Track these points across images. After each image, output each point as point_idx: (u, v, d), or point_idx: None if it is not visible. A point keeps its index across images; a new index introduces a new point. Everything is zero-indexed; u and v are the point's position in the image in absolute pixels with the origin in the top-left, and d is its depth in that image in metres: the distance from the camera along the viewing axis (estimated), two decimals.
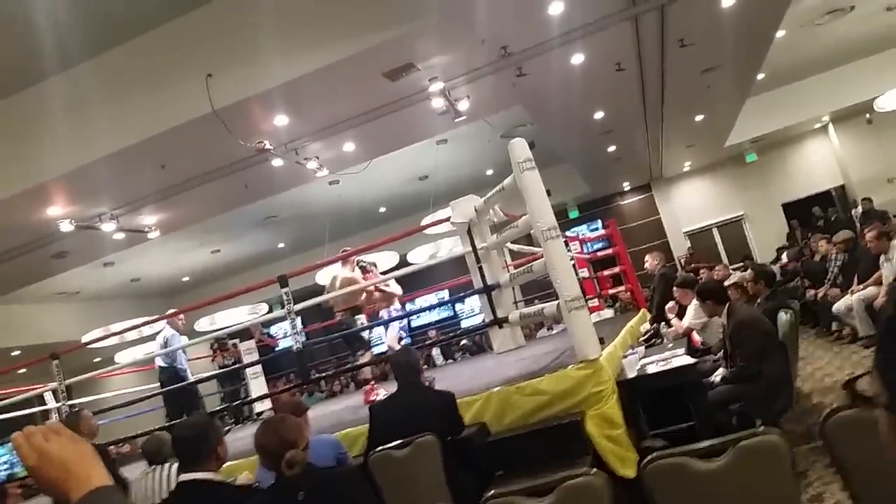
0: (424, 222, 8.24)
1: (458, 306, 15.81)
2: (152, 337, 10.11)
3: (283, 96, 6.92)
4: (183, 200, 9.21)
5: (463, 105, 8.08)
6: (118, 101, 7.01)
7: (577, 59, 7.91)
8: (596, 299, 9.56)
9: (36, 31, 6.25)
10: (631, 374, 4.68)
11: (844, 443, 2.13)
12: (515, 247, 7.52)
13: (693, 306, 6.16)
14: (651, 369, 4.79)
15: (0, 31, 6.25)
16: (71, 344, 8.88)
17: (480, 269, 5.62)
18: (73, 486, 1.00)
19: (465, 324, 15.34)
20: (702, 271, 9.53)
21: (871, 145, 15.14)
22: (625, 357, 5.06)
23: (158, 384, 7.96)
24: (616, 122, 10.96)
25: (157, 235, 10.18)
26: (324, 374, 9.14)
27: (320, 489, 2.55)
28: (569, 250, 8.50)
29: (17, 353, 13.10)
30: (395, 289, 7.30)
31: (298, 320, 5.94)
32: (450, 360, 12.23)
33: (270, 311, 12.55)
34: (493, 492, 2.45)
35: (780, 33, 9.57)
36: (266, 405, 8.24)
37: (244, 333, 9.83)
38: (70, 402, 7.24)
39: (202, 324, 12.34)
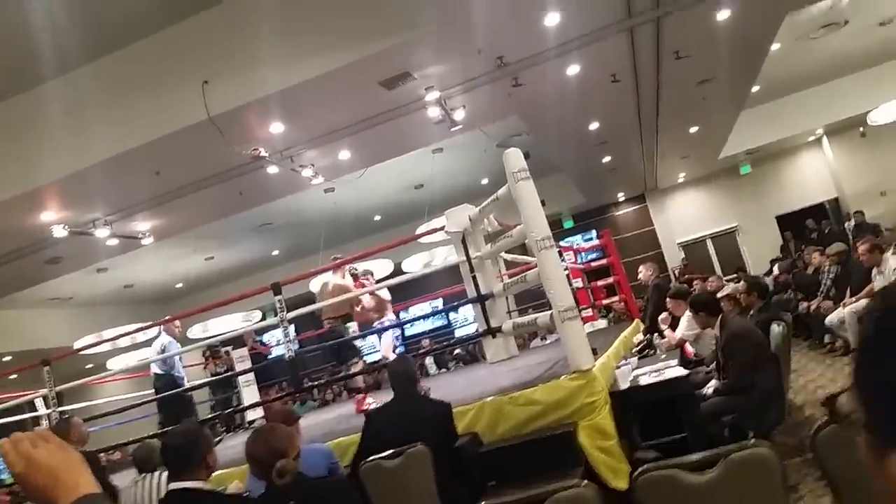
0: (419, 231, 8.25)
1: (452, 315, 15.79)
2: (147, 343, 10.09)
3: (279, 104, 6.92)
4: (177, 207, 9.19)
5: (459, 114, 8.10)
6: (113, 107, 7.01)
7: (573, 69, 7.95)
8: (590, 309, 9.56)
9: (32, 35, 6.25)
10: (624, 385, 4.68)
11: (835, 457, 2.14)
12: (509, 256, 7.52)
13: (686, 317, 6.18)
14: (644, 380, 4.79)
15: None
16: (63, 350, 8.84)
17: (474, 278, 5.62)
18: (61, 494, 0.99)
19: (458, 333, 15.32)
20: (695, 282, 9.55)
21: (865, 158, 15.22)
22: (618, 368, 5.06)
23: (151, 391, 7.92)
24: (611, 132, 11.00)
25: (150, 242, 10.15)
26: (316, 383, 9.09)
27: (311, 499, 2.54)
28: (563, 260, 8.51)
29: (8, 358, 13.04)
30: (384, 294, 7.29)
31: (291, 328, 5.93)
32: (443, 370, 12.21)
33: (264, 318, 12.54)
34: (484, 503, 2.44)
35: (774, 46, 9.64)
36: (258, 413, 8.20)
37: (237, 341, 9.80)
38: (60, 409, 7.20)
39: (195, 331, 12.30)
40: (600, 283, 10.22)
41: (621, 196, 17.11)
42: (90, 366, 14.57)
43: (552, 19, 6.74)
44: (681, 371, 4.89)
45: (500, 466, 3.81)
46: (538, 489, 2.39)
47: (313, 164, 8.74)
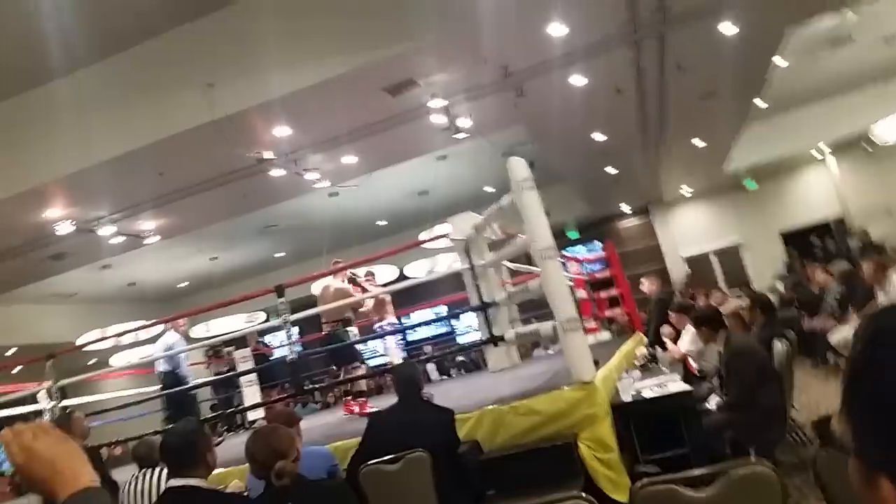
0: (422, 237, 8.27)
1: (455, 322, 15.78)
2: (149, 341, 10.11)
3: (285, 108, 6.96)
4: (182, 207, 9.22)
5: (463, 122, 8.13)
6: (120, 107, 7.05)
7: (578, 80, 7.96)
8: (593, 321, 9.56)
9: (40, 33, 6.29)
10: (626, 398, 4.68)
11: (835, 477, 2.13)
12: (513, 265, 7.53)
13: (689, 332, 6.17)
14: (646, 394, 4.78)
15: (3, 33, 6.29)
16: (66, 345, 8.86)
17: (477, 286, 5.63)
18: (60, 485, 1.01)
19: (461, 340, 15.31)
20: (698, 297, 9.53)
21: (871, 176, 15.19)
22: (620, 380, 5.06)
23: (152, 388, 7.93)
24: (616, 144, 11.00)
25: (155, 241, 10.19)
26: (318, 386, 9.09)
27: (309, 500, 2.54)
28: (566, 271, 8.51)
29: (12, 351, 13.06)
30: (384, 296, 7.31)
31: (294, 330, 5.94)
32: (445, 376, 12.19)
33: (268, 319, 12.54)
34: None
35: (780, 62, 9.64)
36: (259, 414, 8.21)
37: (240, 341, 9.81)
38: (63, 403, 7.22)
39: (197, 330, 12.32)
40: (604, 294, 10.21)
41: (625, 208, 17.09)
42: (93, 362, 14.61)
43: (558, 30, 6.76)
44: (683, 385, 4.88)
45: (499, 475, 3.81)
46: (537, 499, 2.39)
47: (318, 168, 8.78)
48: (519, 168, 4.23)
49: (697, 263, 16.88)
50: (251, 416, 8.47)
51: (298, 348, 6.18)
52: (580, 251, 15.42)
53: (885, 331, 0.66)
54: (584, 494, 2.38)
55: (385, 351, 7.61)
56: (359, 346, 7.06)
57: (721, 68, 8.49)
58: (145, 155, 7.20)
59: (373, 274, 7.63)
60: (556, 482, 3.35)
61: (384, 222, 14.86)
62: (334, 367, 6.77)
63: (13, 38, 6.40)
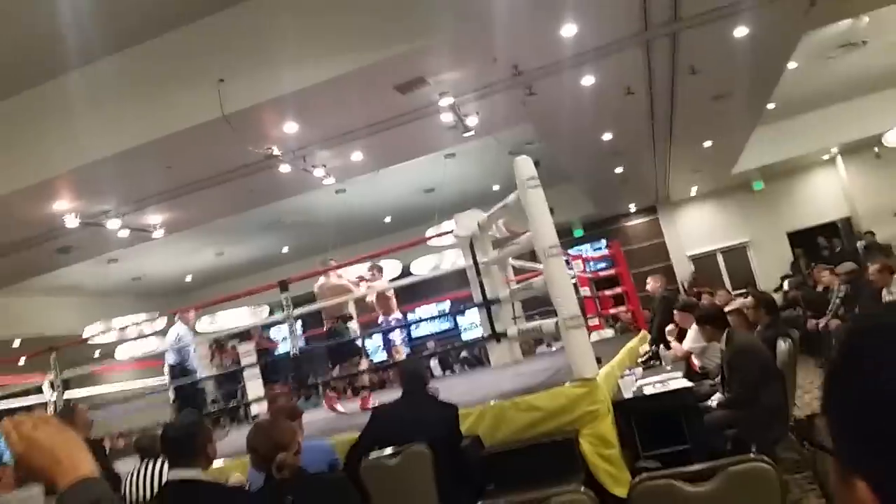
0: (428, 234, 8.27)
1: (459, 319, 15.80)
2: (156, 333, 10.14)
3: (294, 104, 6.97)
4: (189, 202, 9.26)
5: (472, 121, 8.13)
6: (130, 100, 7.07)
7: (588, 80, 7.95)
8: (597, 319, 9.55)
9: (52, 27, 6.31)
10: (627, 395, 4.68)
11: None
12: (518, 263, 7.54)
13: (693, 330, 6.16)
14: (648, 391, 4.79)
15: (16, 27, 6.32)
16: (72, 338, 8.91)
17: (481, 282, 5.64)
18: (60, 475, 1.02)
19: (465, 336, 15.32)
20: (703, 296, 9.51)
21: (879, 179, 15.13)
22: (622, 377, 5.06)
23: (156, 381, 7.97)
24: (624, 144, 10.99)
25: (161, 235, 10.23)
26: (320, 380, 9.13)
27: (309, 494, 2.56)
28: (571, 269, 8.51)
29: (17, 343, 13.14)
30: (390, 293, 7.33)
31: (298, 325, 5.97)
32: (448, 372, 12.22)
33: (272, 314, 12.57)
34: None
35: (792, 65, 9.62)
36: (262, 407, 8.24)
37: (244, 335, 9.85)
38: (66, 395, 7.27)
39: (202, 323, 12.36)
40: (608, 292, 10.21)
41: (632, 207, 17.07)
42: (97, 354, 14.67)
43: (569, 30, 6.75)
44: (685, 382, 4.88)
45: (500, 470, 3.82)
46: (536, 493, 2.40)
47: (325, 165, 8.79)
48: (525, 166, 4.23)
49: (703, 263, 16.86)
50: (254, 409, 8.51)
51: (302, 343, 6.20)
52: (585, 249, 15.40)
53: (864, 333, 0.66)
54: (583, 489, 2.40)
55: (390, 346, 7.61)
56: (357, 342, 7.08)
57: (734, 71, 8.47)
58: (154, 149, 7.22)
59: (380, 268, 7.61)
60: (556, 477, 3.36)
61: (390, 219, 14.87)
62: (329, 365, 6.77)
63: (24, 32, 6.43)
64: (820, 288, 9.76)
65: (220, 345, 9.79)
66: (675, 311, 6.89)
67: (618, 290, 10.04)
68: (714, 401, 4.95)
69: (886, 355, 0.62)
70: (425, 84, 7.17)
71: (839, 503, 0.66)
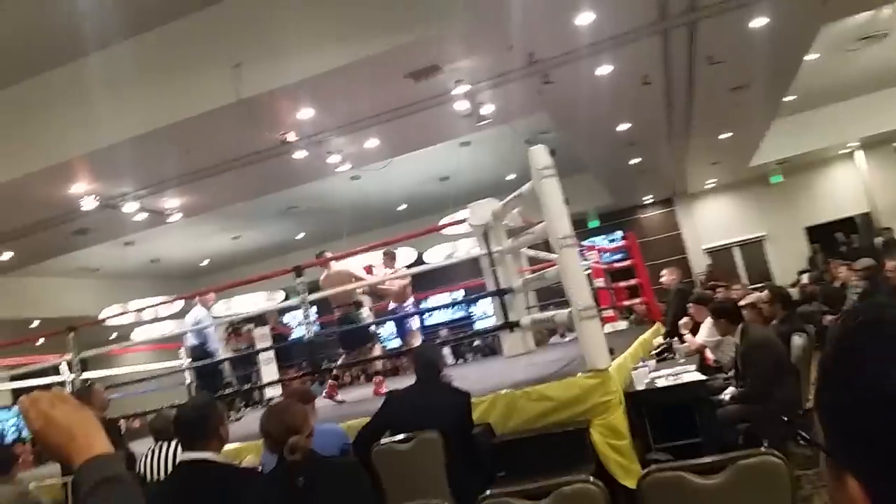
0: (443, 222, 8.28)
1: (472, 307, 15.83)
2: (171, 317, 10.25)
3: (309, 90, 6.99)
4: (206, 186, 9.31)
5: (487, 109, 8.11)
6: (147, 84, 7.11)
7: (605, 69, 7.90)
8: (611, 310, 9.52)
9: (69, 10, 6.35)
10: (640, 387, 4.68)
11: None
12: (532, 252, 7.53)
13: (707, 324, 6.14)
14: (660, 383, 4.79)
15: (33, 10, 6.36)
16: (89, 319, 9.01)
17: (494, 272, 5.64)
18: (76, 452, 1.03)
19: (478, 325, 15.35)
20: (719, 290, 9.46)
21: None
22: (635, 369, 5.06)
23: (174, 362, 8.06)
24: (641, 134, 10.92)
25: (178, 218, 10.30)
26: (333, 365, 9.19)
27: (320, 477, 2.58)
28: (585, 260, 8.49)
29: (35, 324, 13.31)
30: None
31: (312, 310, 6.00)
32: (460, 360, 12.26)
33: (287, 299, 12.65)
34: (488, 492, 2.47)
35: (812, 57, 9.49)
36: (276, 391, 8.32)
37: (259, 319, 9.93)
38: (84, 376, 7.36)
39: (218, 307, 12.47)
40: (623, 284, 10.17)
41: (649, 199, 16.98)
42: (114, 336, 14.86)
43: (586, 18, 6.70)
44: (698, 376, 4.87)
45: (511, 458, 3.84)
46: (547, 482, 2.41)
47: (341, 151, 8.82)
48: (540, 156, 4.22)
49: (719, 256, 16.75)
50: (269, 392, 8.59)
51: (316, 328, 6.24)
52: (600, 240, 15.34)
53: (856, 330, 0.65)
54: (592, 479, 2.40)
55: (405, 333, 7.64)
56: (375, 329, 7.11)
57: (752, 62, 8.38)
58: (171, 133, 7.27)
59: (393, 255, 7.59)
60: (567, 466, 3.36)
61: (405, 207, 14.88)
62: (340, 350, 6.80)
63: (42, 16, 6.48)
64: (837, 284, 9.67)
65: (235, 329, 9.86)
66: (689, 305, 6.86)
67: (632, 281, 9.99)
68: (727, 395, 4.94)
69: (878, 352, 0.62)
70: (440, 72, 7.15)
71: (833, 500, 0.66)
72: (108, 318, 9.38)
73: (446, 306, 15.22)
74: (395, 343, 10.10)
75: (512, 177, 12.79)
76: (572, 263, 4.14)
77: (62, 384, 7.84)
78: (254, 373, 9.30)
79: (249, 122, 7.22)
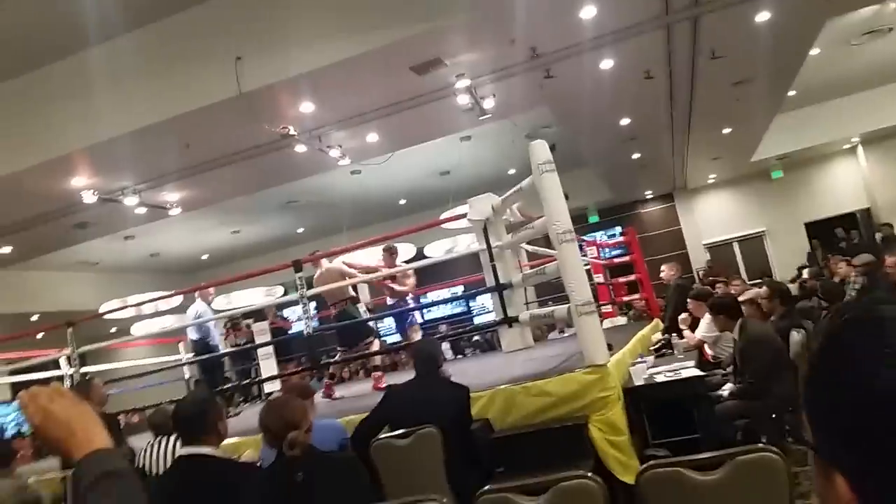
0: (443, 217, 8.27)
1: (472, 302, 15.84)
2: (170, 312, 10.24)
3: (310, 84, 6.97)
4: (206, 180, 9.30)
5: (488, 103, 8.09)
6: (148, 77, 7.10)
7: (607, 64, 7.88)
8: (610, 306, 9.53)
9: (68, 4, 6.35)
10: (638, 382, 4.69)
11: None
12: (531, 248, 7.52)
13: (706, 319, 6.14)
14: (659, 379, 4.79)
15: (33, 2, 6.34)
16: (88, 313, 9.02)
17: (494, 267, 5.64)
18: (75, 446, 1.04)
19: (477, 320, 15.36)
20: (717, 285, 9.46)
21: None
22: (633, 365, 5.06)
23: (173, 357, 8.07)
24: (642, 129, 10.90)
25: (178, 212, 10.29)
26: (333, 360, 9.20)
27: (319, 471, 2.59)
28: (584, 255, 8.49)
29: (35, 317, 13.32)
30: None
31: (311, 305, 5.99)
32: (459, 356, 12.26)
33: (286, 294, 12.66)
34: (487, 487, 2.47)
35: (814, 51, 9.47)
36: (275, 386, 8.33)
37: (258, 314, 9.94)
38: (83, 370, 7.37)
39: (218, 302, 12.47)
40: (622, 279, 10.18)
41: (649, 194, 16.96)
42: (114, 330, 14.86)
43: (588, 12, 6.68)
44: (696, 372, 4.88)
45: (510, 454, 3.85)
46: (545, 477, 2.41)
47: (341, 145, 8.79)
48: (540, 150, 4.22)
49: (719, 251, 16.76)
50: (268, 387, 8.60)
51: (315, 323, 6.24)
52: (600, 236, 15.34)
53: (843, 327, 0.65)
54: (590, 474, 2.40)
55: (406, 327, 7.64)
56: (373, 323, 7.11)
57: (755, 56, 8.36)
58: (171, 127, 7.25)
59: (395, 250, 7.56)
60: (565, 462, 3.37)
61: (405, 201, 14.88)
62: (338, 347, 6.80)
63: (44, 8, 6.46)
64: (836, 280, 9.67)
65: (234, 324, 9.87)
66: (688, 300, 6.87)
67: (632, 277, 10.00)
68: (726, 391, 4.95)
69: (866, 350, 0.61)
70: (442, 65, 7.13)
71: (821, 498, 0.65)
72: (108, 312, 9.36)
73: (445, 301, 15.22)
74: (395, 338, 10.10)
75: (512, 171, 12.78)
76: (572, 259, 4.14)
77: (61, 379, 7.85)
78: (253, 368, 9.31)
79: (250, 116, 7.20)
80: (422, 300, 10.49)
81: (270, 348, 8.74)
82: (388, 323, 9.76)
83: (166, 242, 13.91)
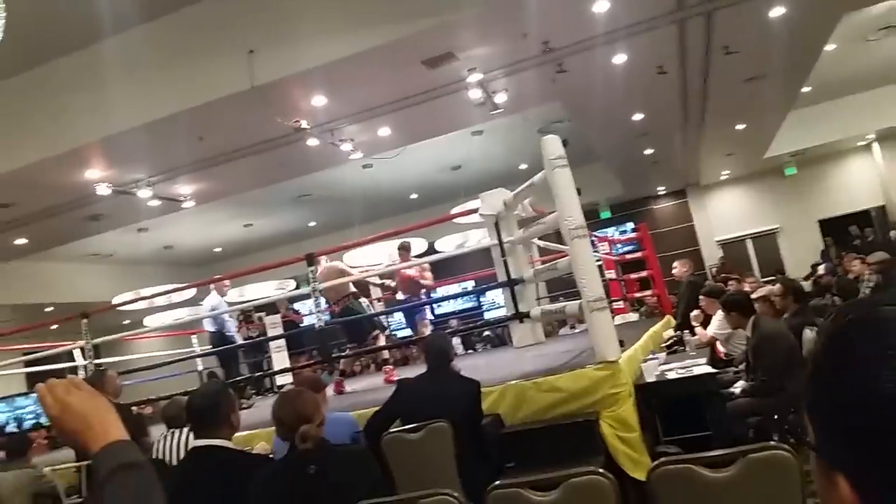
0: (454, 212, 8.27)
1: (482, 298, 15.83)
2: (183, 304, 10.30)
3: (323, 77, 6.98)
4: (219, 173, 9.34)
5: (500, 98, 8.07)
6: (162, 70, 7.13)
7: (619, 58, 7.84)
8: (621, 302, 9.50)
9: None
10: (650, 379, 4.67)
11: None
12: (542, 243, 7.51)
13: (718, 316, 6.12)
14: (670, 376, 4.78)
15: None
16: (102, 304, 9.09)
17: (505, 262, 5.63)
18: (92, 439, 1.05)
19: (487, 315, 15.36)
20: (730, 282, 9.41)
21: None
22: (645, 361, 5.05)
23: (187, 349, 8.13)
24: (655, 124, 10.85)
25: (191, 205, 10.34)
26: (344, 354, 9.24)
27: (331, 465, 2.60)
28: (596, 251, 8.46)
29: (50, 309, 13.43)
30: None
31: (322, 299, 6.01)
32: (470, 351, 12.26)
33: (298, 287, 12.72)
34: (498, 482, 2.47)
35: (829, 47, 9.39)
36: (287, 379, 8.37)
37: (270, 307, 9.99)
38: (97, 361, 7.43)
39: (231, 295, 12.53)
40: (634, 276, 10.15)
41: (661, 189, 16.89)
42: (127, 322, 14.97)
43: (601, 6, 6.65)
44: (708, 369, 4.86)
45: (520, 449, 3.85)
46: (556, 473, 2.41)
47: (353, 139, 8.81)
48: (552, 145, 4.20)
49: (732, 248, 16.67)
50: (279, 380, 8.65)
51: (327, 317, 6.26)
52: (612, 232, 15.29)
53: (846, 327, 0.65)
54: (601, 470, 2.40)
55: (416, 321, 7.66)
56: (380, 317, 7.13)
57: (769, 52, 8.30)
58: (184, 119, 7.29)
59: (408, 247, 7.59)
60: (576, 458, 3.37)
61: (416, 196, 14.88)
62: (350, 342, 6.83)
63: (57, 0, 6.50)
64: (850, 277, 9.60)
65: (247, 317, 9.93)
66: (700, 297, 6.84)
67: (644, 273, 9.97)
68: (738, 388, 4.93)
69: (868, 351, 0.61)
70: (454, 59, 7.12)
71: (823, 499, 0.65)
72: (122, 304, 9.43)
73: (456, 296, 15.22)
74: (405, 333, 10.12)
75: (524, 166, 12.75)
76: (583, 254, 4.13)
77: (75, 370, 7.92)
78: (264, 360, 9.37)
79: (262, 110, 7.22)
80: (432, 295, 10.51)
81: (282, 341, 8.80)
82: (399, 318, 9.76)
83: (179, 235, 13.98)
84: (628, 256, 10.66)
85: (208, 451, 2.79)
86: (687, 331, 6.98)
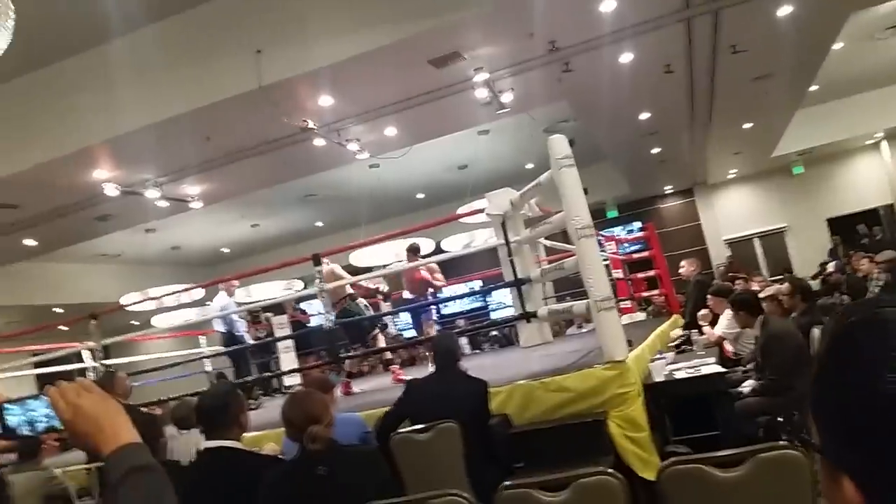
0: (460, 211, 8.27)
1: (489, 297, 15.83)
2: (191, 305, 10.33)
3: (330, 77, 6.98)
4: (226, 173, 9.35)
5: (507, 97, 8.07)
6: (170, 70, 7.14)
7: (626, 58, 7.83)
8: (629, 301, 9.49)
9: None
10: (658, 379, 4.66)
11: None
12: (549, 243, 7.51)
13: (726, 316, 6.11)
14: (679, 375, 4.77)
15: None
16: (110, 305, 9.12)
17: (512, 262, 5.63)
18: (103, 442, 1.05)
19: (494, 315, 15.35)
20: (738, 281, 9.39)
21: None
22: (653, 361, 5.04)
23: (196, 350, 8.15)
24: (662, 123, 10.82)
25: (199, 206, 10.37)
26: (352, 354, 9.25)
27: (340, 465, 2.60)
28: (603, 250, 8.45)
29: (59, 310, 13.49)
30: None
31: (329, 300, 6.02)
32: (477, 350, 12.26)
33: (305, 287, 12.73)
34: (508, 483, 2.47)
35: (836, 46, 9.35)
36: (295, 380, 8.39)
37: (278, 308, 9.99)
38: (106, 362, 7.46)
39: (238, 295, 12.56)
40: (641, 275, 10.13)
41: (668, 189, 16.84)
42: (135, 322, 15.02)
43: (608, 5, 6.63)
44: (717, 368, 4.85)
45: (529, 449, 3.85)
46: (565, 473, 2.41)
47: (359, 139, 8.81)
48: (559, 145, 4.20)
49: (740, 247, 16.61)
50: (287, 381, 8.65)
51: (333, 317, 6.27)
52: (619, 231, 15.26)
53: (851, 328, 0.64)
54: (611, 470, 2.40)
55: (420, 323, 7.67)
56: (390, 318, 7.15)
57: (777, 51, 8.27)
58: (192, 119, 7.30)
59: (417, 248, 7.59)
60: (585, 458, 3.36)
61: (422, 195, 14.89)
62: (351, 342, 6.84)
63: (66, 1, 6.52)
64: (858, 276, 9.56)
65: (254, 317, 9.94)
66: (708, 296, 6.82)
67: (651, 272, 9.95)
68: (746, 387, 4.92)
69: (872, 352, 0.61)
70: (461, 59, 7.12)
71: (828, 500, 0.65)
72: (130, 304, 9.47)
73: (463, 296, 15.22)
74: (411, 333, 10.12)
75: (530, 166, 12.74)
76: (590, 254, 4.12)
77: (84, 371, 7.95)
78: (272, 361, 9.37)
79: (270, 109, 7.23)
80: (438, 295, 10.51)
81: (290, 342, 8.80)
82: (405, 318, 9.76)
83: (187, 235, 14.03)
84: (635, 256, 10.64)
85: (219, 452, 2.81)
86: (695, 330, 6.97)
